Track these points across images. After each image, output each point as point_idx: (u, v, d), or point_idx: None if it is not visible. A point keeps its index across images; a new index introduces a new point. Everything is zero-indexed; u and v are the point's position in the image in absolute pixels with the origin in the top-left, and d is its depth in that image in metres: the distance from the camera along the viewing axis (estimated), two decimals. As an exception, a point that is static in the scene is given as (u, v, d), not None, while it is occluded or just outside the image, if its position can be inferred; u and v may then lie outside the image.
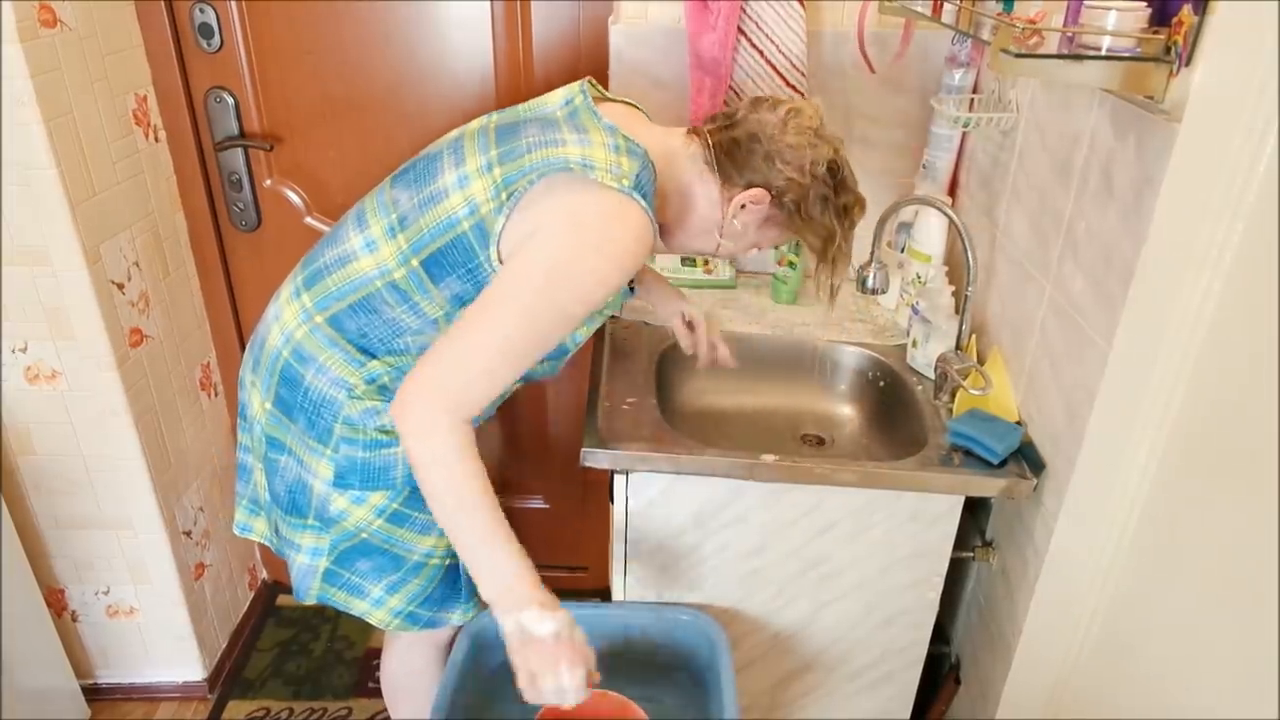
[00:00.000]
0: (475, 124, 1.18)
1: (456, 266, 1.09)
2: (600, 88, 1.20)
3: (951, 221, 1.32)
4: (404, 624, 1.29)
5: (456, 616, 1.32)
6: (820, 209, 1.14)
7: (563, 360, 1.24)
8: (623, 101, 1.22)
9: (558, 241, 1.04)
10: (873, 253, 1.36)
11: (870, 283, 1.38)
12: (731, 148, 1.14)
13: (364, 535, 1.22)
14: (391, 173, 1.20)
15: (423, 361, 1.06)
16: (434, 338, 1.13)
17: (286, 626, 2.14)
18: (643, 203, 1.05)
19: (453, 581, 1.31)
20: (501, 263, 1.06)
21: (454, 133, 1.18)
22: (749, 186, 1.14)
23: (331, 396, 1.17)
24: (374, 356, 1.16)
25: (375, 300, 1.13)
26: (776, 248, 1.32)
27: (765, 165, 1.12)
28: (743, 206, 1.15)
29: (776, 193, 1.13)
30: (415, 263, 1.10)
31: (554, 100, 1.17)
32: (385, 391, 1.18)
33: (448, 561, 1.29)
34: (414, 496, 1.22)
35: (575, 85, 1.17)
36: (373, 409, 1.17)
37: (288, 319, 1.19)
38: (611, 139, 1.07)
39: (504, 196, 1.05)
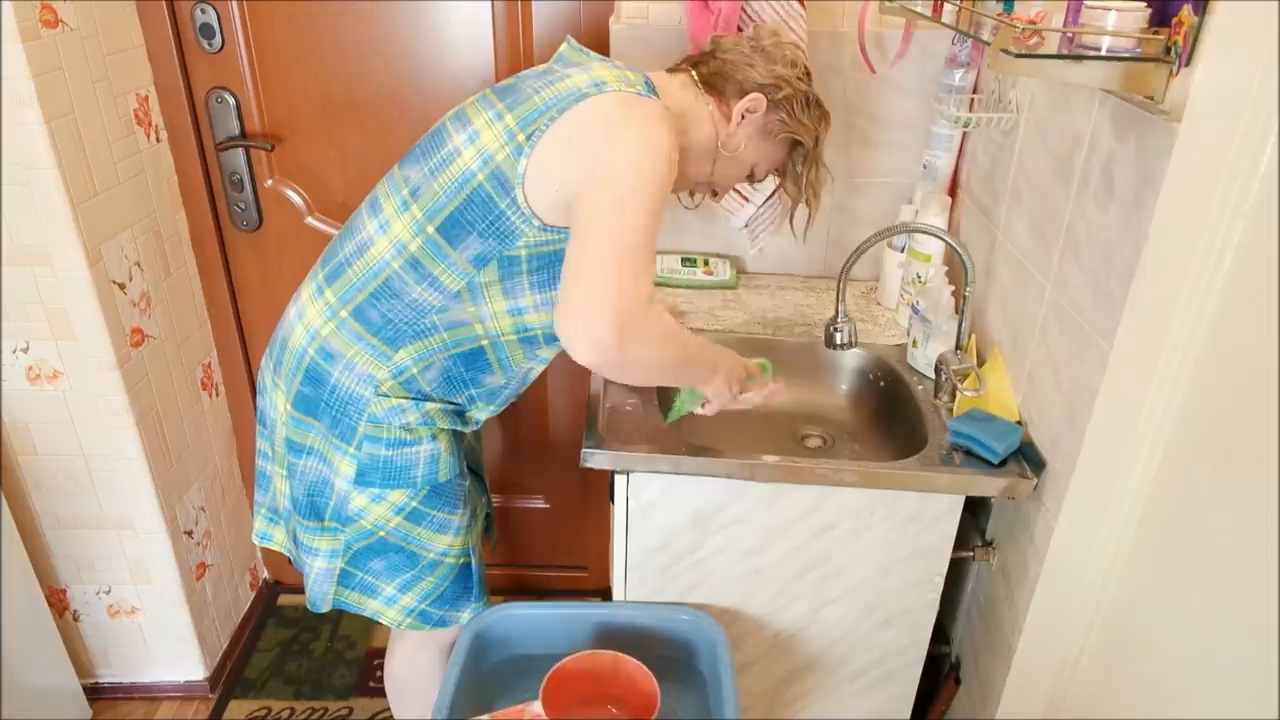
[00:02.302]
0: (472, 96, 1.19)
1: (476, 222, 1.09)
2: (589, 52, 1.22)
3: (939, 238, 1.32)
4: (416, 623, 1.30)
5: (466, 616, 1.33)
6: (806, 109, 1.23)
7: None
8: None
9: (611, 153, 1.05)
10: (838, 308, 1.33)
11: (839, 339, 1.34)
12: (719, 67, 1.21)
13: (381, 534, 1.23)
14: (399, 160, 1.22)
15: (571, 284, 1.02)
16: (459, 313, 1.14)
17: (287, 626, 2.14)
18: (656, 99, 1.12)
19: (465, 580, 1.31)
20: (529, 203, 1.07)
21: (453, 109, 1.20)
22: (743, 95, 1.20)
23: (358, 394, 1.17)
24: (400, 346, 1.16)
25: (395, 283, 1.13)
26: (764, 178, 1.33)
27: (753, 71, 1.20)
28: (742, 116, 1.21)
29: (770, 93, 1.20)
30: (431, 229, 1.10)
31: (543, 65, 1.20)
32: (412, 384, 1.18)
33: (461, 560, 1.30)
34: (432, 494, 1.23)
35: (562, 44, 1.21)
36: (398, 407, 1.18)
37: (312, 317, 1.19)
38: (609, 62, 1.14)
39: (521, 138, 1.06)
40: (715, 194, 1.33)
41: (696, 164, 1.23)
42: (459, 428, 1.26)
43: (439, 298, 1.13)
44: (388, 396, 1.17)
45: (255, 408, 1.34)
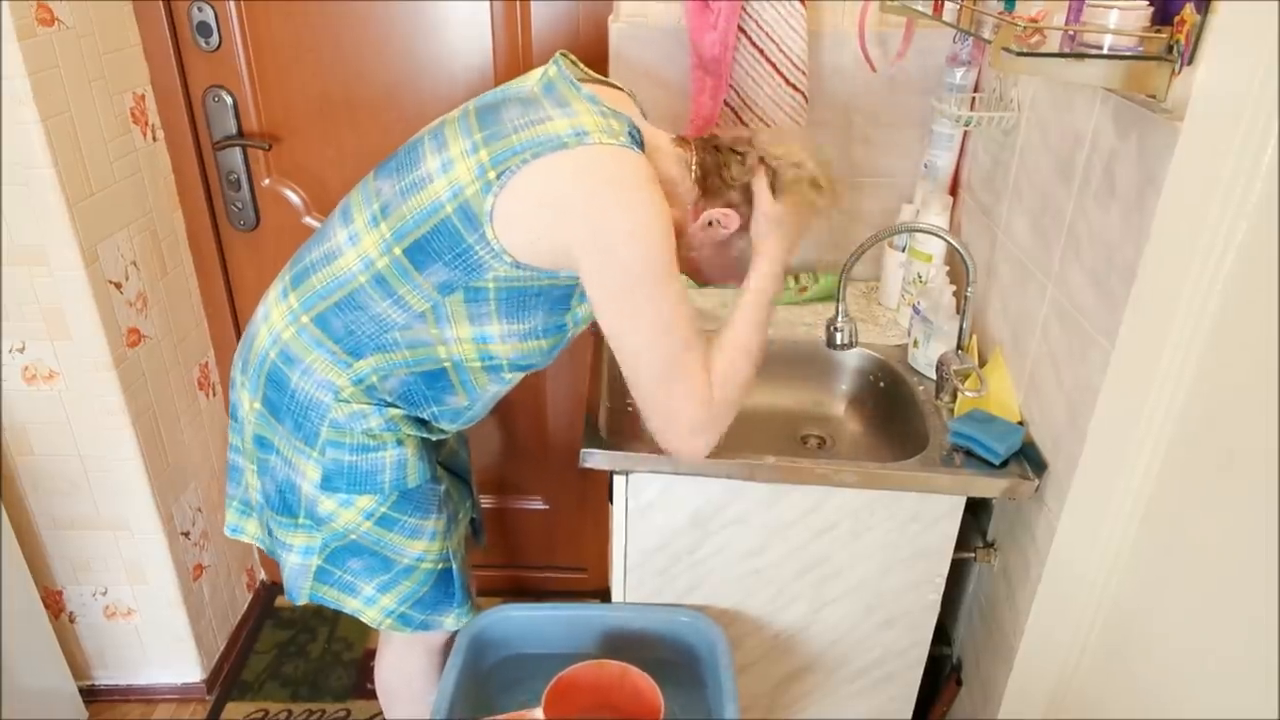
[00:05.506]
0: (455, 111, 1.16)
1: (443, 252, 1.06)
2: (583, 66, 1.18)
3: (940, 238, 1.32)
4: (396, 624, 1.29)
5: (450, 621, 1.31)
6: None
7: (564, 343, 1.21)
8: (612, 85, 1.20)
9: (609, 231, 1.02)
10: (839, 307, 1.31)
11: (840, 339, 1.32)
12: (725, 163, 1.15)
13: (353, 536, 1.21)
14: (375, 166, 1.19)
15: (650, 414, 1.10)
16: (421, 332, 1.12)
17: (285, 628, 2.13)
18: (640, 152, 1.06)
19: (445, 585, 1.30)
20: (499, 240, 1.04)
21: (435, 121, 1.17)
22: (725, 205, 1.15)
23: (318, 399, 1.15)
24: (361, 356, 1.14)
25: (360, 296, 1.11)
26: (701, 285, 1.30)
27: (748, 194, 1.14)
28: (710, 224, 1.16)
29: (745, 224, 1.15)
30: (398, 250, 1.08)
31: (531, 78, 1.15)
32: (373, 393, 1.16)
33: (440, 565, 1.28)
34: (402, 500, 1.21)
35: (549, 61, 1.15)
36: (360, 412, 1.16)
37: (275, 320, 1.18)
38: (596, 107, 1.07)
39: (491, 175, 1.03)
40: None
41: None
42: (424, 435, 1.24)
43: (403, 316, 1.11)
44: (349, 402, 1.15)
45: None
